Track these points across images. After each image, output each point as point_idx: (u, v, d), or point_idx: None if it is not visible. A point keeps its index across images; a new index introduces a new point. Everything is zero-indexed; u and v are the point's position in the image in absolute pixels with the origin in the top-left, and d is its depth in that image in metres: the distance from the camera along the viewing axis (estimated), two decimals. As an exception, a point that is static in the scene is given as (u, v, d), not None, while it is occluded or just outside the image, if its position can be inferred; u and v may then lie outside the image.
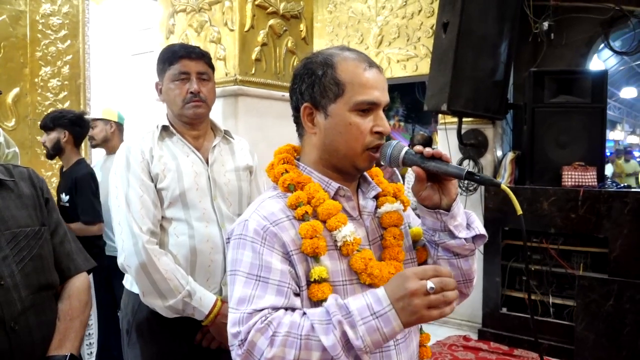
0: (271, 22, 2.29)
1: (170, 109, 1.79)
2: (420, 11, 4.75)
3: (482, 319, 4.27)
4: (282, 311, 0.96)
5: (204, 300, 1.67)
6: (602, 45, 4.70)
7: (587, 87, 3.94)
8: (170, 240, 1.71)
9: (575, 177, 3.87)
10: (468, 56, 3.79)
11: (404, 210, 1.20)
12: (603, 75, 3.96)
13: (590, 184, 3.81)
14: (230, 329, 0.97)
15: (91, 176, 2.94)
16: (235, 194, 1.82)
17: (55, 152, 2.94)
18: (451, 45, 3.78)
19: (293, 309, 0.98)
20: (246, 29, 2.19)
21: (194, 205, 1.73)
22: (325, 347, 0.89)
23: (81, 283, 1.36)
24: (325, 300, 0.99)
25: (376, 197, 1.17)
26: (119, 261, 1.68)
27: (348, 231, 1.05)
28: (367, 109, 1.07)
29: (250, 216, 1.05)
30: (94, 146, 3.38)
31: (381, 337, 0.90)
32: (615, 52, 4.41)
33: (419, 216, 1.20)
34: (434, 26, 4.41)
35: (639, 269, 3.54)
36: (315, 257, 1.02)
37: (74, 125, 2.93)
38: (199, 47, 1.80)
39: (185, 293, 1.64)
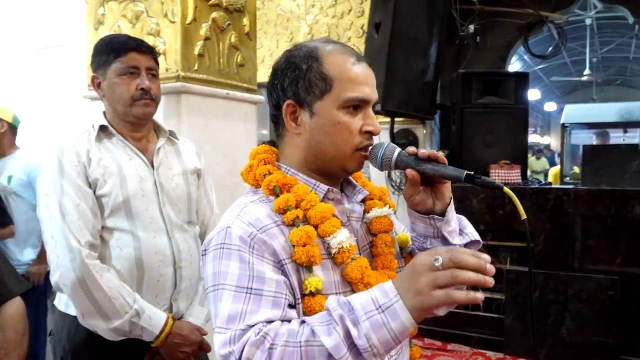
0: (214, 15, 2.14)
1: (112, 106, 1.60)
2: (350, 11, 4.74)
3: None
4: (277, 322, 0.84)
5: (154, 319, 1.51)
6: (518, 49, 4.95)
7: (510, 88, 4.11)
8: (112, 254, 1.53)
9: (502, 175, 4.03)
10: (400, 57, 3.82)
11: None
12: (525, 77, 4.16)
13: (515, 181, 3.98)
14: (220, 350, 0.84)
15: None
16: (184, 200, 1.67)
17: None
18: (384, 45, 3.79)
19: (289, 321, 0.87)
20: (188, 21, 2.02)
21: (139, 214, 1.56)
22: (328, 349, 0.77)
23: (15, 310, 1.16)
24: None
25: (362, 201, 1.09)
26: (53, 279, 1.47)
27: (344, 237, 0.95)
28: (356, 106, 0.98)
29: (233, 223, 0.92)
30: None
31: (389, 335, 0.77)
32: (534, 55, 4.65)
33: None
34: (364, 26, 4.42)
35: (561, 262, 3.74)
36: (309, 267, 0.92)
37: None
38: (144, 41, 1.63)
39: (133, 312, 1.47)
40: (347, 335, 0.78)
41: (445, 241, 1.02)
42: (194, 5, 2.04)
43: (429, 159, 0.97)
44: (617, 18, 8.30)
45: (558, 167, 7.57)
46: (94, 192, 1.52)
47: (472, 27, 4.35)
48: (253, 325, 0.83)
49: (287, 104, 0.99)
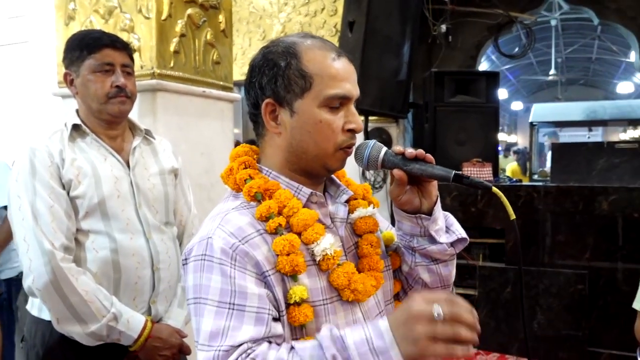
0: (189, 11, 2.10)
1: (86, 104, 1.55)
2: (323, 9, 4.73)
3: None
4: (265, 345, 0.82)
5: (132, 322, 1.48)
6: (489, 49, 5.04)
7: (482, 87, 4.17)
8: (88, 257, 1.49)
9: (474, 172, 4.08)
10: (374, 56, 3.83)
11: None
12: (496, 77, 4.23)
13: (487, 178, 4.04)
14: None
15: None
16: (161, 201, 1.64)
17: None
18: (358, 44, 3.79)
19: (277, 340, 0.85)
20: (163, 17, 1.98)
21: (115, 215, 1.52)
22: None
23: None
24: (307, 323, 0.88)
25: (347, 201, 1.07)
26: (26, 284, 1.42)
27: (327, 243, 0.93)
28: (338, 103, 0.96)
29: (214, 232, 0.89)
30: None
31: None
32: (504, 55, 4.74)
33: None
34: (337, 25, 4.42)
35: (532, 257, 3.81)
36: (294, 276, 0.90)
37: None
38: (119, 37, 1.59)
39: (110, 316, 1.43)
40: None
41: (432, 239, 1.02)
42: (169, 1, 2.00)
43: (417, 159, 0.96)
44: (580, 19, 8.54)
45: (515, 163, 7.90)
46: (68, 193, 1.48)
47: (444, 27, 4.40)
48: (237, 346, 0.81)
49: (266, 103, 0.96)
